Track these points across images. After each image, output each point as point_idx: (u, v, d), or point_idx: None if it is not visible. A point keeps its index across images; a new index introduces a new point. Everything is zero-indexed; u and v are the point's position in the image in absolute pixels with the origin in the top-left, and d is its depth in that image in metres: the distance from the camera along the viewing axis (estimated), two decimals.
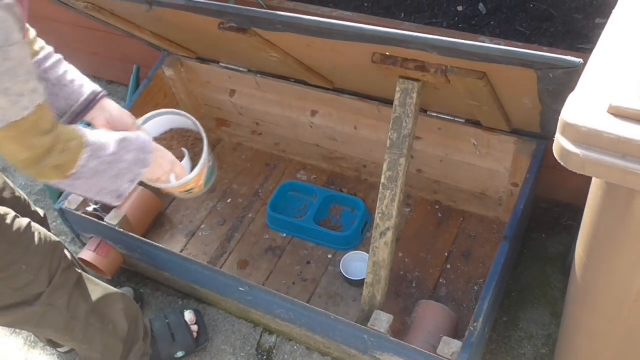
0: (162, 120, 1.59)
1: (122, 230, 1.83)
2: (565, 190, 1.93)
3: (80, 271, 1.55)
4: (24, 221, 1.39)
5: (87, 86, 1.40)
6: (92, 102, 1.40)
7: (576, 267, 1.14)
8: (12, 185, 1.59)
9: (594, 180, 0.93)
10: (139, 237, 1.82)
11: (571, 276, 1.23)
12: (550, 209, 2.01)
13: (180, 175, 1.41)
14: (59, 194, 2.05)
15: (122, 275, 2.06)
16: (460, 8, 2.00)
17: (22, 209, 1.57)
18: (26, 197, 1.64)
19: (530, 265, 1.90)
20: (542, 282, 1.85)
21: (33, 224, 1.41)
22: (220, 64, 2.10)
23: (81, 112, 1.39)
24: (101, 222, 1.85)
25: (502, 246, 1.57)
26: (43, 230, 1.44)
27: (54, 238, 1.47)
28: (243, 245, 2.04)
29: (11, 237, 1.33)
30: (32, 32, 1.32)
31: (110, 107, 1.44)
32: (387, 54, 1.36)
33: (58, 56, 1.37)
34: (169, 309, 1.96)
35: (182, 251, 2.04)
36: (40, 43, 1.34)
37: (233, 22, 1.48)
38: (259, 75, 2.05)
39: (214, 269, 1.76)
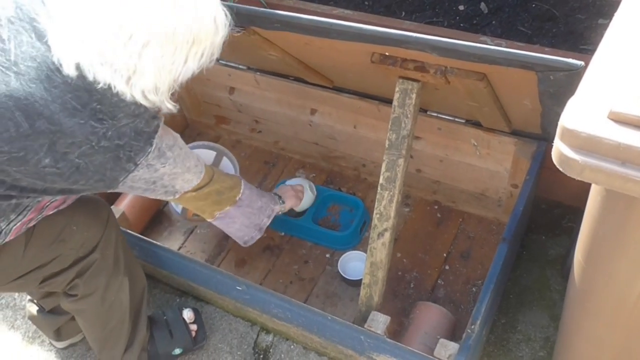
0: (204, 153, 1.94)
1: (120, 227, 1.82)
2: (566, 192, 1.91)
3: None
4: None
5: None
6: None
7: (575, 272, 1.13)
8: None
9: (593, 186, 0.92)
10: (137, 234, 1.81)
11: (570, 280, 1.22)
12: (550, 210, 2.00)
13: (301, 190, 1.90)
14: None
15: None
16: (461, 7, 1.99)
17: None
18: None
19: (529, 267, 1.89)
20: (541, 284, 1.84)
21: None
22: (220, 61, 2.09)
23: None
24: None
25: (500, 248, 1.56)
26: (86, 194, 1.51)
27: (93, 196, 1.53)
28: None
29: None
30: None
31: None
32: (387, 54, 1.35)
33: None
34: (167, 306, 1.95)
35: (179, 249, 2.04)
36: None
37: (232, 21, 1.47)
38: (258, 73, 2.03)
39: (211, 267, 1.75)
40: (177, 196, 1.40)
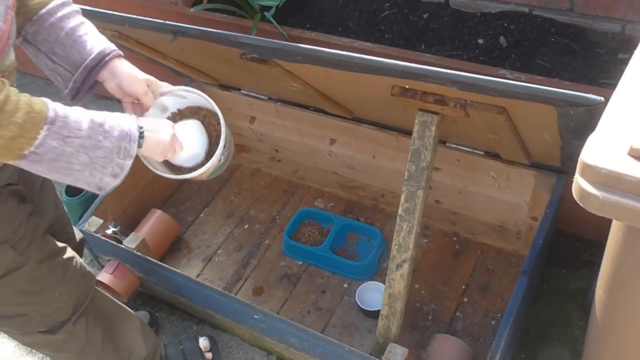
0: (178, 99, 1.36)
1: (139, 253, 1.84)
2: (587, 226, 1.90)
3: (100, 293, 1.54)
4: (64, 248, 1.38)
5: (102, 43, 1.24)
6: (102, 59, 1.22)
7: (596, 307, 1.12)
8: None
9: (614, 221, 0.91)
10: (156, 261, 1.83)
11: (591, 316, 1.20)
12: (570, 243, 1.98)
13: (178, 151, 1.25)
14: (79, 215, 2.08)
15: (138, 298, 2.07)
16: (480, 41, 2.01)
17: (61, 226, 1.56)
18: (67, 214, 1.62)
19: (549, 301, 1.86)
20: (562, 319, 1.82)
21: (70, 251, 1.40)
22: (241, 91, 2.13)
23: (93, 68, 1.22)
24: (120, 245, 1.87)
25: (520, 281, 1.55)
26: (79, 259, 1.42)
27: (87, 268, 1.45)
28: (259, 271, 2.04)
29: (51, 263, 1.32)
30: None
31: (121, 69, 1.25)
32: (407, 87, 1.36)
33: (75, 7, 1.24)
34: (184, 334, 1.96)
35: (198, 276, 2.05)
36: None
37: (255, 53, 1.50)
38: (279, 103, 2.07)
39: (228, 295, 1.76)
40: None
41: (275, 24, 2.10)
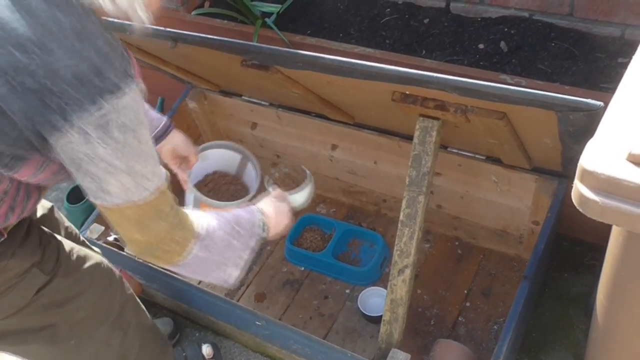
0: (216, 153, 1.74)
1: (141, 260, 1.84)
2: (588, 230, 1.90)
3: (136, 309, 1.51)
4: (89, 255, 1.37)
5: (158, 115, 1.56)
6: (166, 130, 1.56)
7: (597, 312, 1.12)
8: (64, 218, 1.57)
9: (614, 226, 0.92)
10: (158, 268, 1.83)
11: (592, 320, 1.20)
12: (572, 247, 1.98)
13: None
14: (81, 222, 2.08)
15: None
16: (481, 46, 2.02)
17: (74, 240, 1.54)
18: (74, 229, 1.62)
19: (551, 305, 1.86)
20: (564, 323, 1.81)
21: (96, 257, 1.39)
22: (243, 97, 2.13)
23: (159, 139, 1.55)
24: (121, 252, 1.87)
25: (522, 286, 1.55)
26: (106, 264, 1.41)
27: (115, 274, 1.44)
28: (261, 277, 2.04)
29: (75, 273, 1.31)
30: None
31: (177, 137, 1.60)
32: (407, 92, 1.37)
33: None
34: (186, 341, 1.96)
35: (200, 283, 2.05)
36: None
37: (256, 60, 1.51)
38: (280, 109, 2.07)
39: (230, 301, 1.76)
40: (104, 201, 0.99)
41: (276, 30, 2.11)
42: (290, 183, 1.60)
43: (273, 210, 1.34)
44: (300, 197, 1.52)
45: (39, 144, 0.93)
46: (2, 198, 1.07)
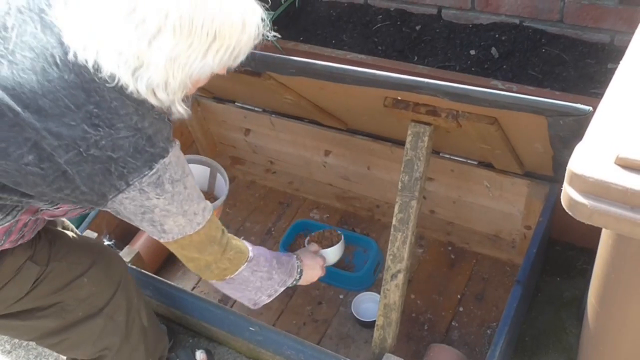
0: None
1: (134, 267, 1.84)
2: (580, 234, 1.91)
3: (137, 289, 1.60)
4: (83, 239, 1.46)
5: None
6: None
7: (588, 315, 1.13)
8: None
9: (603, 230, 0.92)
10: (151, 274, 1.83)
11: (584, 323, 1.21)
12: (564, 252, 1.99)
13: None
14: (78, 223, 2.08)
15: None
16: (472, 52, 2.03)
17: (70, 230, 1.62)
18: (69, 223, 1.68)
19: (544, 310, 1.87)
20: (557, 327, 1.82)
21: (92, 239, 1.48)
22: (236, 103, 2.14)
23: None
24: None
25: (514, 290, 1.56)
26: (101, 245, 1.50)
27: (114, 252, 1.52)
28: None
29: (71, 257, 1.38)
30: None
31: None
32: (399, 98, 1.38)
33: None
34: (180, 347, 1.95)
35: (193, 289, 2.05)
36: None
37: (248, 66, 1.51)
38: (273, 115, 2.08)
39: (224, 307, 1.76)
40: (163, 239, 1.20)
41: (269, 36, 2.12)
42: (324, 241, 1.82)
43: (309, 260, 1.58)
44: (332, 252, 1.75)
45: (96, 199, 1.08)
46: (21, 229, 1.21)
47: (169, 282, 1.82)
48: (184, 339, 1.98)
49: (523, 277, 1.57)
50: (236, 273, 1.33)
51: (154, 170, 1.06)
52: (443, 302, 1.90)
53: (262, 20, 1.07)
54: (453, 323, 1.84)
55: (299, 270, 1.52)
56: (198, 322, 1.90)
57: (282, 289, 1.46)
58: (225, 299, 2.00)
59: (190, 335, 1.99)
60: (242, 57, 1.08)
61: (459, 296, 1.90)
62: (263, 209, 2.28)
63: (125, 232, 2.11)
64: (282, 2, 2.31)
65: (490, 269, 1.96)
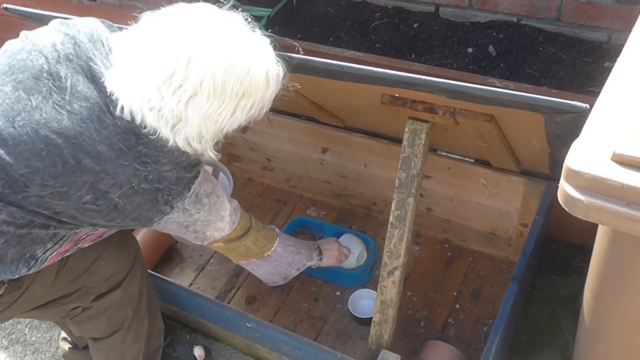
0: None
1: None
2: (576, 231, 1.92)
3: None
4: None
5: None
6: None
7: (584, 312, 1.13)
8: None
9: (600, 226, 0.93)
10: (148, 271, 1.83)
11: (580, 321, 1.22)
12: (560, 249, 2.00)
13: (347, 253, 1.87)
14: None
15: None
16: (470, 50, 2.04)
17: None
18: None
19: (540, 307, 1.88)
20: (553, 325, 1.83)
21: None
22: None
23: None
24: None
25: (510, 287, 1.56)
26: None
27: (124, 231, 1.54)
28: (251, 280, 2.04)
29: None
30: None
31: None
32: (396, 95, 1.38)
33: None
34: (177, 343, 1.95)
35: (190, 285, 2.05)
36: None
37: None
38: (271, 112, 2.06)
39: (221, 304, 1.76)
40: (205, 242, 1.43)
41: (267, 33, 2.12)
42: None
43: (326, 245, 1.79)
44: (353, 257, 1.90)
45: (143, 223, 1.24)
46: (62, 255, 1.31)
47: (166, 278, 1.82)
48: (181, 335, 1.98)
49: (519, 274, 1.58)
50: (272, 249, 1.57)
51: (192, 191, 1.24)
52: (439, 299, 1.90)
53: (280, 70, 1.19)
54: (449, 320, 1.85)
55: (315, 246, 1.73)
56: (195, 318, 1.90)
57: (310, 263, 1.70)
58: (221, 295, 2.00)
59: (187, 332, 1.99)
60: (266, 109, 1.20)
61: (455, 293, 1.91)
62: (260, 206, 2.28)
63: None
64: None
65: (486, 266, 1.97)
